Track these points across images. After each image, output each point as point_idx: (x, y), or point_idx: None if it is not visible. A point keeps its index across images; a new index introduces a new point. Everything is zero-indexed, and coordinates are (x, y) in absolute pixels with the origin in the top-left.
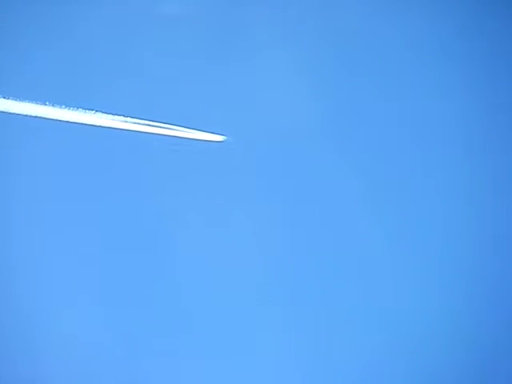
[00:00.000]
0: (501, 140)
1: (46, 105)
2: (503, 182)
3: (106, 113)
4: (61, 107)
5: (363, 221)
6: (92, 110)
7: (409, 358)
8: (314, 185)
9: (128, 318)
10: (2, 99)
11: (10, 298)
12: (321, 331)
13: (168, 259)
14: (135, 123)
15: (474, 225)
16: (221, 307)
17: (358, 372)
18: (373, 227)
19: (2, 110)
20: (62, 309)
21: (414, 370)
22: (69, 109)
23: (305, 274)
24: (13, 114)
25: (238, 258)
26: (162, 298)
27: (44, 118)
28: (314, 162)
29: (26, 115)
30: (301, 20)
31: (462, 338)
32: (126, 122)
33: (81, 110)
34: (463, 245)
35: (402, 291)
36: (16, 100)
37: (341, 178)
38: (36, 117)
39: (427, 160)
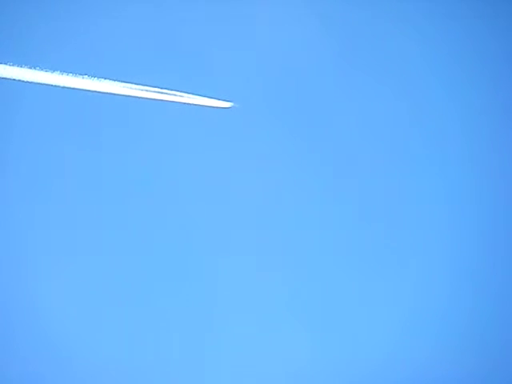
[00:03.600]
0: (504, 137)
1: (52, 72)
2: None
3: (112, 79)
4: (68, 74)
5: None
6: (99, 77)
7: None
8: (324, 150)
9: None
10: (15, 67)
11: (16, 297)
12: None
13: (176, 229)
14: (142, 90)
15: (478, 222)
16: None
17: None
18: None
19: (14, 77)
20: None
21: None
22: (76, 76)
23: (320, 248)
24: (25, 81)
25: (246, 225)
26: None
27: (49, 84)
28: (324, 126)
29: (37, 82)
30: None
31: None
32: (132, 88)
33: (88, 76)
34: (467, 244)
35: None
36: (29, 68)
37: (354, 141)
38: (44, 84)
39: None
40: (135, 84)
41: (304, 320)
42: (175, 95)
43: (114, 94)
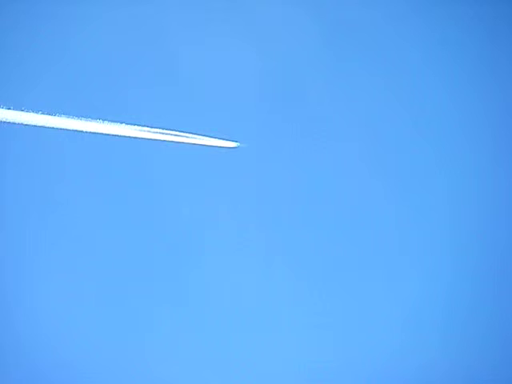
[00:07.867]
0: (503, 135)
1: (60, 116)
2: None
3: (121, 122)
4: (76, 118)
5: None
6: (107, 120)
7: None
8: (328, 192)
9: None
10: (17, 111)
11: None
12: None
13: (183, 261)
14: (150, 132)
15: (479, 221)
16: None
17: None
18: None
19: (17, 121)
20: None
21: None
22: (84, 119)
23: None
24: (34, 126)
25: (249, 260)
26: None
27: (59, 128)
28: (330, 166)
29: (43, 126)
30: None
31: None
32: (140, 130)
33: (97, 120)
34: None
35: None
36: (37, 113)
37: (362, 179)
38: (51, 128)
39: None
40: (143, 126)
41: (308, 320)
42: (182, 136)
43: (118, 136)
